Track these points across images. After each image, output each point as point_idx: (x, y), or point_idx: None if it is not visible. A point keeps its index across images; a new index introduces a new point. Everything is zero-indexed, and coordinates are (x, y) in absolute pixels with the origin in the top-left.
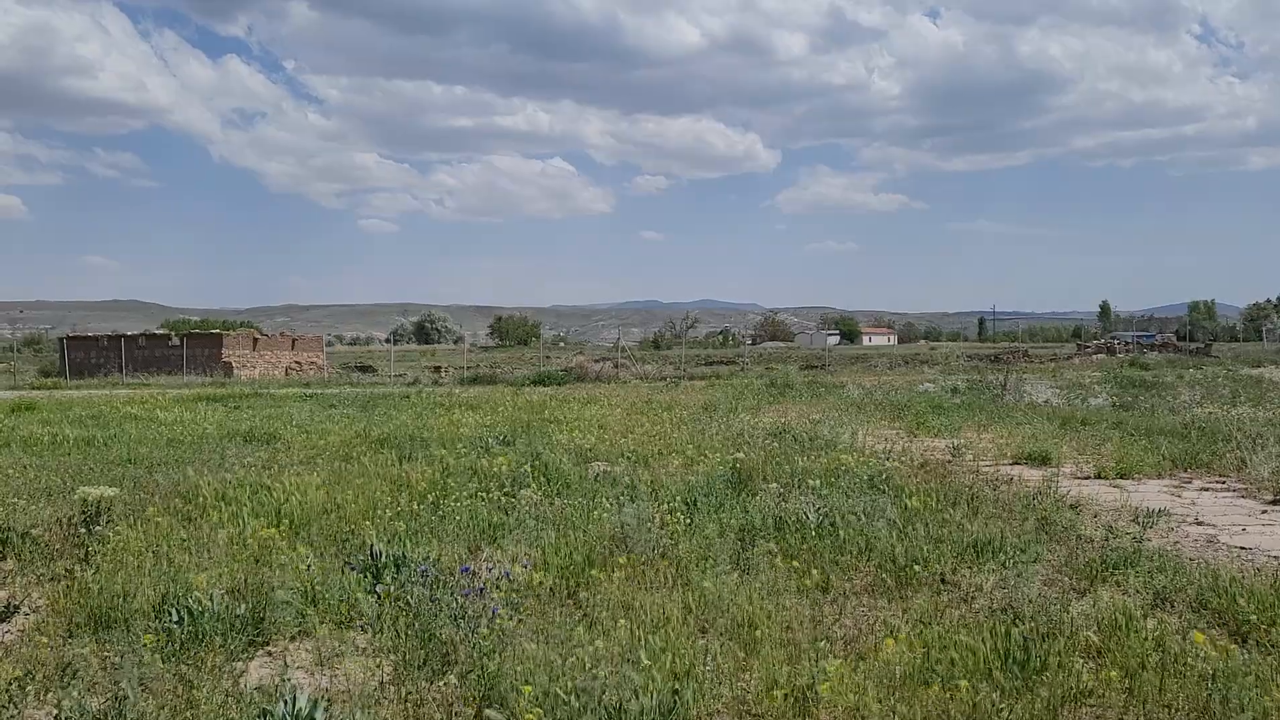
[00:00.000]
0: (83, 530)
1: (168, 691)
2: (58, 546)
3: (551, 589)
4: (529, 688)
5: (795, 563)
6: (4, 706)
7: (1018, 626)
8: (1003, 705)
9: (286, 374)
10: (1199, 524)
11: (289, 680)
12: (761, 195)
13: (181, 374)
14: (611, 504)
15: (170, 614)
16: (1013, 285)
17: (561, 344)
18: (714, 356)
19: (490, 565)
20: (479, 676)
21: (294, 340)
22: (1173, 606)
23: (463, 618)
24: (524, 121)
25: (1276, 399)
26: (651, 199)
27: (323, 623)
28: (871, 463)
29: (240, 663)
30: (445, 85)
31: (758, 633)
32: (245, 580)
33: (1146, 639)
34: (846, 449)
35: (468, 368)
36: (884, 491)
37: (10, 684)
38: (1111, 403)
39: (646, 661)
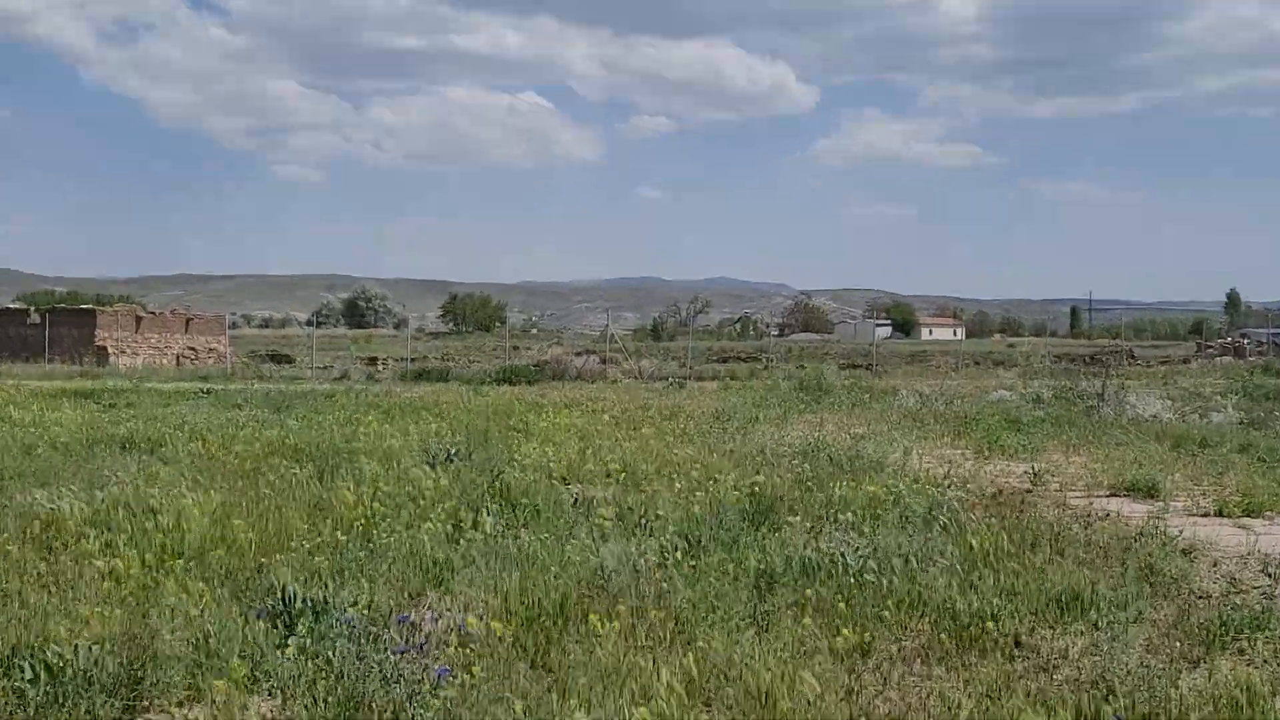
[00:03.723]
0: None
1: None
2: None
3: (514, 646)
4: None
5: (827, 618)
6: None
7: (1110, 703)
8: None
9: (178, 363)
10: None
11: None
12: (794, 144)
13: (43, 361)
14: (593, 538)
15: (23, 670)
16: (1114, 266)
17: (534, 331)
18: (730, 351)
19: (436, 615)
20: None
21: (188, 320)
22: None
23: (399, 681)
24: (487, 43)
25: None
26: (652, 146)
27: (220, 684)
28: (929, 491)
29: None
30: None
31: (778, 708)
32: (122, 628)
33: None
34: (897, 473)
35: (412, 359)
36: (944, 529)
37: None
38: (1238, 419)
39: None
